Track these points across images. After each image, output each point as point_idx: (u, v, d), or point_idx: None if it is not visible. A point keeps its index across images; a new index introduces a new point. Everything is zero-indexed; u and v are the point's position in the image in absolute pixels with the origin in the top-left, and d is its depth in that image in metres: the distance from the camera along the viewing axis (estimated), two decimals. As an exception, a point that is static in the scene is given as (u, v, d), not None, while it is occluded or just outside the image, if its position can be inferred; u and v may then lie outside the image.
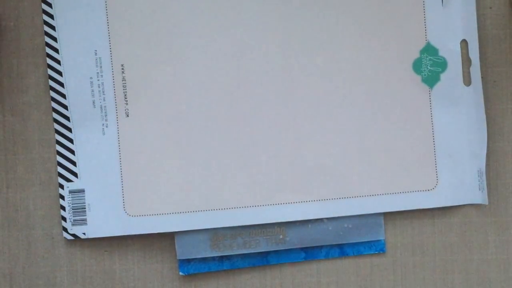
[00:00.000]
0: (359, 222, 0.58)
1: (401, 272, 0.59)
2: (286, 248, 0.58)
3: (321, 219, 0.58)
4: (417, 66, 0.58)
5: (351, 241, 0.58)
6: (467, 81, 0.58)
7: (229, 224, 0.58)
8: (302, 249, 0.58)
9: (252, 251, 0.58)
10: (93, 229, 0.58)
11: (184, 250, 0.58)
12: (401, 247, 0.59)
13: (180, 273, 0.58)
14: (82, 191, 0.58)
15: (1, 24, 0.59)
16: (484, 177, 0.58)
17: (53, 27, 0.58)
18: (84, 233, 0.58)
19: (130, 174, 0.58)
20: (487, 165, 0.59)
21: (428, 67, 0.58)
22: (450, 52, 0.58)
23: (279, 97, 0.58)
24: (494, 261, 0.59)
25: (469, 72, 0.58)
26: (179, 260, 0.58)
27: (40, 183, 0.59)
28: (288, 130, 0.58)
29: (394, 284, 0.59)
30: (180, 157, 0.58)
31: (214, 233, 0.58)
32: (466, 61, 0.58)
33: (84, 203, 0.58)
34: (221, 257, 0.59)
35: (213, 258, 0.58)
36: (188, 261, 0.58)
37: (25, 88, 0.59)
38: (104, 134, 0.58)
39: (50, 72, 0.58)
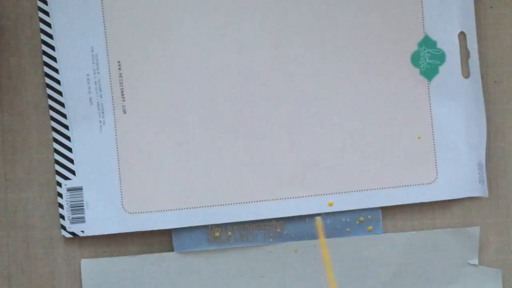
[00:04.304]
0: (357, 217, 0.58)
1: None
2: (283, 241, 0.58)
3: (319, 213, 0.58)
4: (415, 59, 0.58)
5: (348, 236, 0.58)
6: (466, 73, 0.58)
7: (228, 220, 0.58)
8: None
9: (249, 244, 0.58)
10: (91, 227, 0.58)
11: (181, 244, 0.58)
12: (401, 242, 0.59)
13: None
14: (80, 188, 0.58)
15: (0, 24, 0.59)
16: (484, 169, 0.58)
17: (48, 24, 0.58)
18: (82, 231, 0.58)
19: (128, 171, 0.58)
20: (488, 164, 0.59)
21: (427, 59, 0.58)
22: (449, 44, 0.58)
23: (277, 93, 0.58)
24: (494, 258, 0.59)
25: (467, 65, 0.58)
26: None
27: (39, 183, 0.59)
28: (285, 125, 0.58)
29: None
30: (178, 153, 0.58)
31: (211, 227, 0.58)
32: (465, 54, 0.58)
33: (82, 200, 0.58)
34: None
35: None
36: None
37: (23, 88, 0.59)
38: (101, 131, 0.58)
39: (46, 69, 0.58)
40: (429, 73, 0.58)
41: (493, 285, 0.58)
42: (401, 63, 0.58)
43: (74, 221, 0.58)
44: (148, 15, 0.58)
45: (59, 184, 0.58)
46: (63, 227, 0.58)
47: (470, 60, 0.58)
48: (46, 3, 0.58)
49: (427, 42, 0.58)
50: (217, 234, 0.58)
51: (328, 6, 0.58)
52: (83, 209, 0.58)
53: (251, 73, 0.58)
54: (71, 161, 0.58)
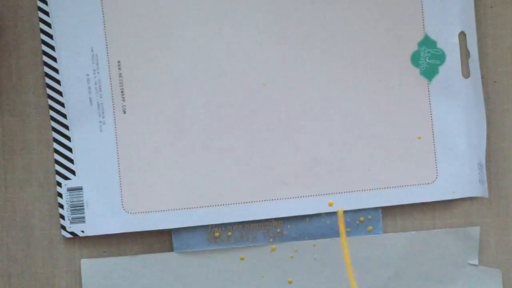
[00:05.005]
0: (357, 217, 0.58)
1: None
2: (283, 241, 0.58)
3: (319, 213, 0.58)
4: (415, 59, 0.58)
5: (348, 236, 0.58)
6: (466, 73, 0.58)
7: (228, 220, 0.58)
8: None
9: (249, 244, 0.58)
10: (91, 226, 0.58)
11: (181, 244, 0.58)
12: (401, 242, 0.59)
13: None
14: (80, 188, 0.58)
15: (0, 24, 0.59)
16: (484, 169, 0.58)
17: (48, 24, 0.58)
18: (82, 231, 0.58)
19: (128, 171, 0.58)
20: (488, 164, 0.59)
21: (427, 59, 0.58)
22: (449, 44, 0.58)
23: (277, 92, 0.58)
24: (494, 258, 0.59)
25: (467, 65, 0.58)
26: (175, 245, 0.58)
27: (39, 183, 0.59)
28: (286, 125, 0.58)
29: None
30: (177, 153, 0.58)
31: (211, 227, 0.58)
32: (465, 54, 0.58)
33: (82, 200, 0.58)
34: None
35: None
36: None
37: (23, 88, 0.59)
38: (101, 131, 0.58)
39: (46, 69, 0.58)
40: (429, 73, 0.58)
41: (493, 285, 0.58)
42: (401, 63, 0.58)
43: (74, 221, 0.58)
44: (148, 15, 0.58)
45: (59, 184, 0.58)
46: (63, 227, 0.58)
47: (470, 60, 0.58)
48: (46, 3, 0.58)
49: (427, 42, 0.58)
50: (217, 234, 0.58)
51: (328, 6, 0.58)
52: (83, 209, 0.58)
53: (251, 73, 0.58)
54: (71, 161, 0.58)
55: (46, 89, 0.59)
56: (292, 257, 0.58)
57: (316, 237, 0.58)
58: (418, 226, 0.59)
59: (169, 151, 0.58)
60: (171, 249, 0.59)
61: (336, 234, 0.58)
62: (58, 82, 0.58)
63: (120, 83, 0.58)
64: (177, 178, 0.58)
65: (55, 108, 0.58)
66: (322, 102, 0.58)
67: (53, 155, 0.59)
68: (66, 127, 0.58)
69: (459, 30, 0.58)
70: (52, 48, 0.58)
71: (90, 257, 0.59)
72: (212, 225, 0.58)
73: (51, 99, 0.58)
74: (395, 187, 0.58)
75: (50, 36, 0.58)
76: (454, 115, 0.58)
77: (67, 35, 0.58)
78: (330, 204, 0.58)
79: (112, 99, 0.58)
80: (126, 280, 0.58)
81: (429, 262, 0.58)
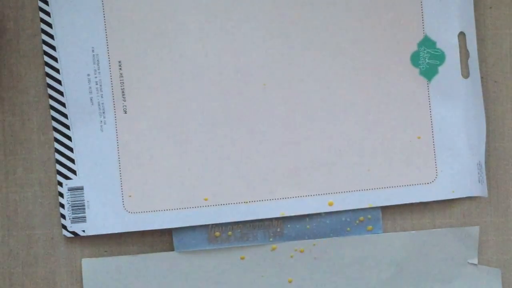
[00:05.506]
0: (357, 216, 0.58)
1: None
2: (283, 241, 0.58)
3: (319, 213, 0.58)
4: (415, 59, 0.58)
5: (348, 235, 0.58)
6: (465, 73, 0.58)
7: (228, 220, 0.58)
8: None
9: (249, 244, 0.58)
10: (92, 226, 0.58)
11: (182, 243, 0.58)
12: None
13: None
14: (81, 188, 0.58)
15: (1, 24, 0.59)
16: (483, 169, 0.58)
17: (49, 25, 0.58)
18: (83, 231, 0.58)
19: (128, 171, 0.58)
20: (488, 164, 0.59)
21: (426, 60, 0.58)
22: (448, 44, 0.58)
23: (277, 93, 0.58)
24: (493, 258, 0.59)
25: (467, 65, 0.58)
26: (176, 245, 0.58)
27: (40, 183, 0.59)
28: (285, 125, 0.58)
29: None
30: (178, 153, 0.58)
31: (211, 226, 0.58)
32: (464, 54, 0.58)
33: (83, 200, 0.58)
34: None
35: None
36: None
37: (24, 88, 0.59)
38: (102, 131, 0.58)
39: (47, 69, 0.58)
40: (429, 73, 0.58)
41: (493, 284, 0.58)
42: (401, 63, 0.58)
43: (75, 220, 0.58)
44: (148, 15, 0.58)
45: (60, 184, 0.59)
46: (64, 227, 0.59)
47: (469, 60, 0.58)
48: (47, 3, 0.58)
49: (427, 42, 0.58)
50: (217, 233, 0.58)
51: (328, 6, 0.58)
52: (84, 208, 0.58)
53: (251, 73, 0.58)
54: (72, 160, 0.58)
55: (47, 89, 0.59)
56: (292, 256, 0.58)
57: (316, 237, 0.58)
58: (418, 225, 0.59)
59: (169, 151, 0.58)
60: (171, 248, 0.59)
61: (336, 233, 0.58)
62: (59, 82, 0.58)
63: (121, 83, 0.58)
64: (178, 178, 0.58)
65: (56, 108, 0.59)
66: (322, 102, 0.58)
67: (54, 155, 0.59)
68: (67, 127, 0.59)
69: (458, 31, 0.58)
70: (53, 48, 0.58)
71: (91, 257, 0.59)
72: (212, 224, 0.58)
73: (52, 99, 0.59)
74: (394, 186, 0.58)
75: (51, 36, 0.58)
76: (453, 115, 0.58)
77: (68, 35, 0.58)
78: (330, 204, 0.58)
79: (113, 99, 0.58)
80: (126, 279, 0.59)
81: (428, 261, 0.58)
